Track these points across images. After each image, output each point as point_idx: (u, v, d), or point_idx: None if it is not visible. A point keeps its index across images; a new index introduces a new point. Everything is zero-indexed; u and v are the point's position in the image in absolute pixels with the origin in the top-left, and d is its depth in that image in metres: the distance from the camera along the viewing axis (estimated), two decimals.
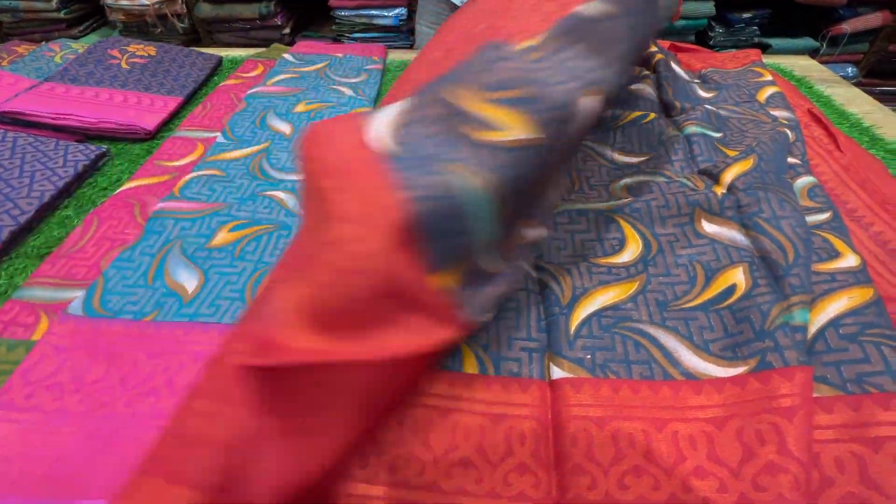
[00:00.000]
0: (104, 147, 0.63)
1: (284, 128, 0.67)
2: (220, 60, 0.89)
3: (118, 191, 0.55)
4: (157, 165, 0.60)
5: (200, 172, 0.57)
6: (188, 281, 0.44)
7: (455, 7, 0.93)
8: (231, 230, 0.49)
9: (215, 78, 0.85)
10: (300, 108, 0.71)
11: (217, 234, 0.49)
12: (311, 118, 0.69)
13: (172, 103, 0.73)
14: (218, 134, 0.66)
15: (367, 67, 0.85)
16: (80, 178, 0.58)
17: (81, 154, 0.60)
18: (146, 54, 0.84)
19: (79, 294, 0.43)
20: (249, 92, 0.74)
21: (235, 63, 0.90)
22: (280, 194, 0.54)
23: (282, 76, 0.80)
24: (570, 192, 0.46)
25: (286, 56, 0.88)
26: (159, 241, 0.47)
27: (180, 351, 0.38)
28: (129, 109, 0.69)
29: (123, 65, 0.80)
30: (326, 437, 0.25)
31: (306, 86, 0.77)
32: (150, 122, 0.67)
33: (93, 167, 0.60)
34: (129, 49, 0.84)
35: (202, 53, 0.88)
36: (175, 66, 0.83)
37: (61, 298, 0.43)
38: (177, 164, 0.61)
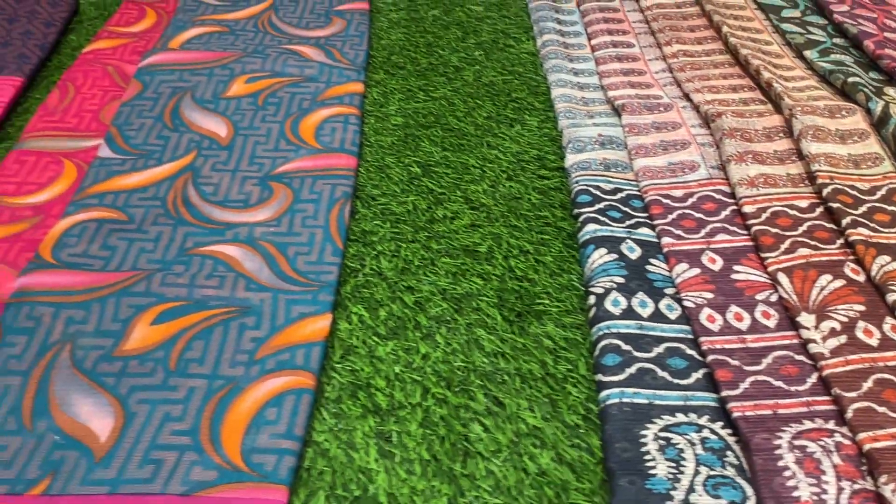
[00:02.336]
0: None
1: (216, 126, 0.71)
2: (74, 5, 0.94)
3: None
4: None
5: (81, 216, 0.60)
6: (97, 418, 0.46)
7: None
8: (155, 321, 0.52)
9: (71, 37, 0.89)
10: (237, 87, 0.76)
11: (132, 328, 0.51)
12: (261, 106, 0.73)
13: (8, 89, 0.77)
14: (99, 142, 0.70)
15: (340, 8, 0.91)
16: None
17: None
18: None
19: None
20: (143, 64, 0.79)
21: (103, 8, 0.95)
22: (229, 250, 0.58)
23: (194, 30, 0.85)
24: None
25: None
26: (31, 349, 0.50)
27: None
28: None
29: None
30: None
31: (242, 47, 0.82)
32: None
33: None
34: None
35: None
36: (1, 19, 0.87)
37: None
38: (32, 200, 0.64)
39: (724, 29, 0.80)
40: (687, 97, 0.73)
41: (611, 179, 0.64)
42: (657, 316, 0.52)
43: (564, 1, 0.92)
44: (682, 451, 0.43)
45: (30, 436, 0.45)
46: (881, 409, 0.44)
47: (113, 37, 0.86)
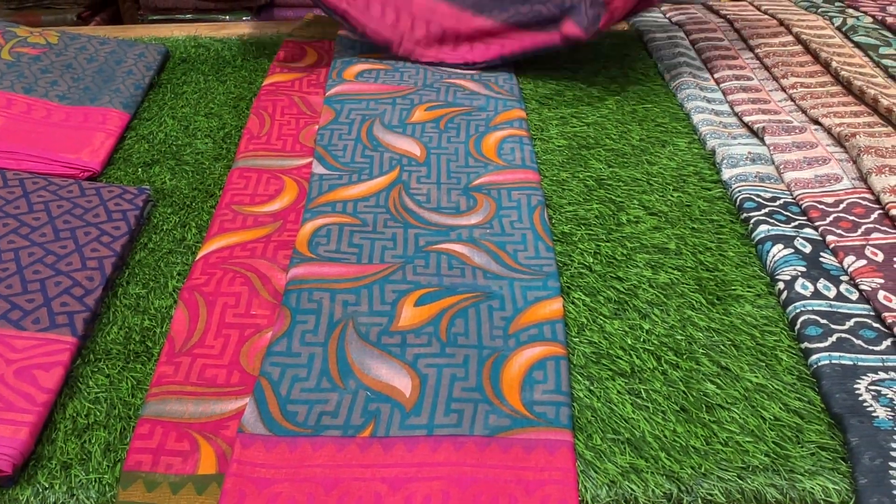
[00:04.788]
0: (147, 188, 0.76)
1: (410, 146, 0.81)
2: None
3: (201, 255, 0.67)
4: (238, 212, 0.73)
5: (320, 221, 0.70)
6: (397, 378, 0.55)
7: None
8: (418, 303, 0.61)
9: (243, 72, 1.00)
10: (419, 114, 0.86)
11: (401, 309, 0.61)
12: (443, 130, 0.83)
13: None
14: (308, 161, 0.79)
15: None
16: (132, 237, 0.70)
17: (124, 201, 0.73)
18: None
19: (231, 405, 0.54)
20: (330, 93, 0.89)
21: (263, 47, 1.06)
22: (457, 247, 0.67)
23: (361, 65, 0.95)
24: None
25: (347, 34, 1.04)
26: (321, 324, 0.59)
27: (433, 476, 0.49)
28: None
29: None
30: None
31: (412, 81, 0.92)
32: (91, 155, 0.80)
33: (142, 219, 0.73)
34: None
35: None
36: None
37: (210, 413, 0.54)
38: (267, 209, 0.74)
39: (833, 64, 0.91)
40: (815, 122, 0.83)
41: (767, 189, 0.74)
42: (840, 297, 0.61)
43: (681, 39, 1.03)
44: (892, 399, 0.52)
45: (344, 392, 0.55)
46: None
47: (285, 71, 0.97)
